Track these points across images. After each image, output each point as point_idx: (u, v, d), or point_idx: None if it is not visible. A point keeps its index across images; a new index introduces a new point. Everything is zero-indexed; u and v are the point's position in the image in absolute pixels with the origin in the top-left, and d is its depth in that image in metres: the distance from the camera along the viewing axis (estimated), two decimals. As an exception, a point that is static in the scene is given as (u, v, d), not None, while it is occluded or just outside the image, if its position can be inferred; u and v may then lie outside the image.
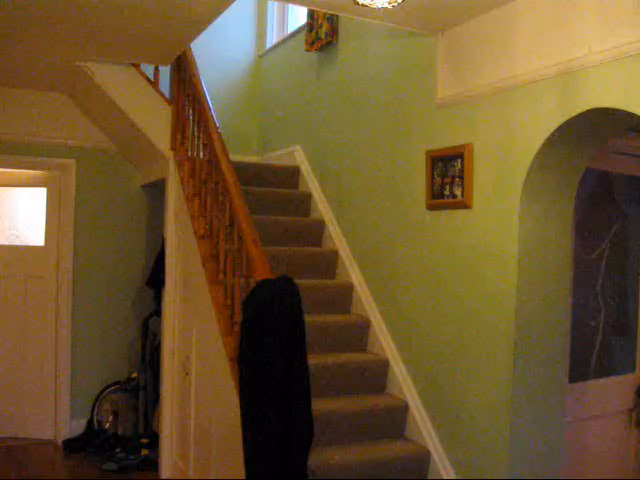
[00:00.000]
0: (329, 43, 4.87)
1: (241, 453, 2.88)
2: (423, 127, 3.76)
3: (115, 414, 5.31)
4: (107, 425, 5.30)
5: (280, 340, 2.86)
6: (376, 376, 3.96)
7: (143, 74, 4.59)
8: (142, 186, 5.52)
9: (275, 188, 5.02)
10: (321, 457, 3.27)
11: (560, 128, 2.86)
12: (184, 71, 4.47)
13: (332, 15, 4.76)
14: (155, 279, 4.96)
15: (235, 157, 4.06)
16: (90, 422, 5.27)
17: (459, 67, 3.49)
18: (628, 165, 3.90)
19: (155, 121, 4.60)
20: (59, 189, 5.44)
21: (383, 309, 4.11)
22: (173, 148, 4.58)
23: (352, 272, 4.41)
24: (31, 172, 5.51)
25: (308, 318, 3.06)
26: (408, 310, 3.86)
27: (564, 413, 3.26)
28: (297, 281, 3.01)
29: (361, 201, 4.40)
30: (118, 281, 5.48)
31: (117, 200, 5.49)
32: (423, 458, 3.57)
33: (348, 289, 4.39)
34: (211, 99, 4.22)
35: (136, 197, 5.55)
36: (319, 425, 2.99)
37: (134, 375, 5.26)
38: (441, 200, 3.56)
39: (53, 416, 5.38)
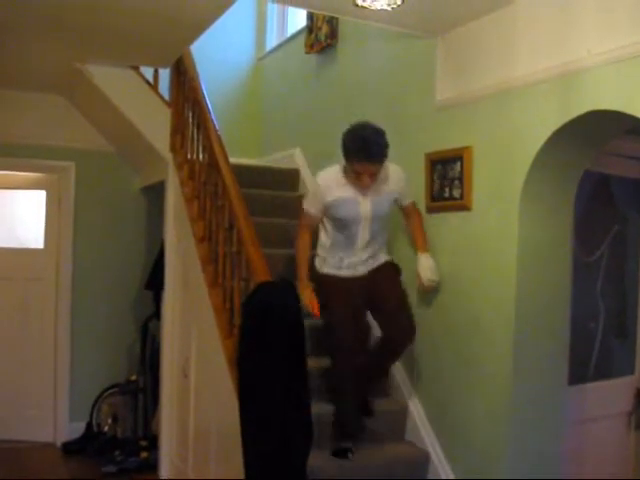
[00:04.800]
0: (329, 46, 4.87)
1: (240, 455, 2.88)
2: (422, 129, 3.76)
3: (114, 417, 5.29)
4: (106, 427, 5.29)
5: (279, 343, 2.86)
6: (375, 378, 3.96)
7: (142, 76, 4.59)
8: (141, 189, 5.51)
9: (275, 191, 5.01)
10: (320, 459, 3.27)
11: (559, 130, 2.87)
12: (183, 73, 4.47)
13: (332, 18, 4.77)
14: (154, 282, 4.96)
15: (234, 159, 4.05)
16: (89, 424, 5.26)
17: (458, 69, 3.49)
18: (627, 167, 3.90)
19: (154, 123, 4.59)
20: (58, 192, 5.43)
21: (382, 311, 4.10)
22: (172, 150, 4.57)
23: (351, 274, 4.40)
24: (30, 175, 5.50)
25: (307, 321, 3.06)
26: (407, 312, 3.85)
27: (563, 416, 3.26)
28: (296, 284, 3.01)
29: (360, 203, 4.38)
30: (117, 284, 5.47)
31: (116, 202, 5.48)
32: (423, 461, 3.56)
33: (347, 291, 4.37)
34: (210, 101, 4.22)
35: (135, 200, 5.54)
36: (318, 428, 2.98)
37: (133, 378, 5.25)
38: (441, 202, 3.56)
39: (52, 418, 5.38)
